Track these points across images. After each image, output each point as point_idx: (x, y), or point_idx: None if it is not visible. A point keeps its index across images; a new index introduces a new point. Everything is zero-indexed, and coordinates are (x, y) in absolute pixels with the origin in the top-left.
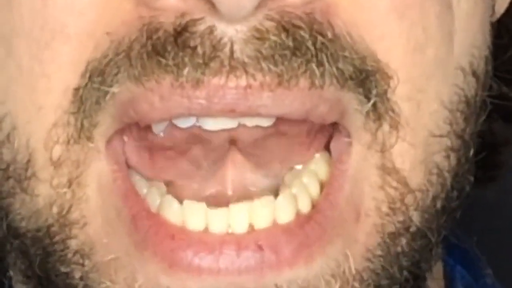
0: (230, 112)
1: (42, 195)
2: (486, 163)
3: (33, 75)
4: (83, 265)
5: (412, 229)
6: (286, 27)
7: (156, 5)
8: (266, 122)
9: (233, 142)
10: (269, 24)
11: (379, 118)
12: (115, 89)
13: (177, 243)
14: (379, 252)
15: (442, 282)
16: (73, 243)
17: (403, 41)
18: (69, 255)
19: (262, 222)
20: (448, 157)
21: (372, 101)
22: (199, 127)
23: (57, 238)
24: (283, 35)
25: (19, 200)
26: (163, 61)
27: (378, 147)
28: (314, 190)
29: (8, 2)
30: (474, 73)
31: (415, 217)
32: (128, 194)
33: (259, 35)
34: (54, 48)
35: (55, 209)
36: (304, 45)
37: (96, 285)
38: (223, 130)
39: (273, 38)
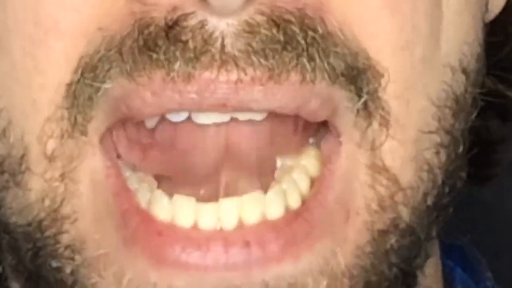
0: (222, 107)
1: (35, 189)
2: (483, 161)
3: (26, 71)
4: (73, 259)
5: (402, 226)
6: (277, 22)
7: (148, 0)
8: (258, 116)
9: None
10: (260, 18)
11: (369, 116)
12: (107, 85)
13: (165, 239)
14: (368, 249)
15: (441, 283)
16: (64, 238)
17: (394, 38)
18: (60, 250)
19: (251, 217)
20: (438, 153)
21: (363, 99)
22: (192, 121)
23: (48, 232)
24: (274, 30)
25: (12, 194)
26: (154, 55)
27: (367, 146)
28: (304, 186)
29: (1, 1)
30: (464, 70)
31: (405, 214)
32: (119, 191)
33: (250, 29)
34: (48, 44)
35: (47, 203)
36: (295, 40)
37: (85, 280)
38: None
39: (264, 32)
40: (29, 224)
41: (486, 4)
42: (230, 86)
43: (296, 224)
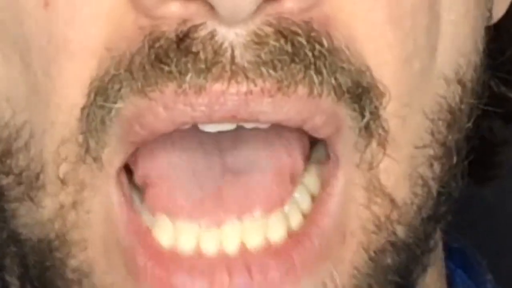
0: (231, 118)
1: (48, 208)
2: (486, 163)
3: (46, 90)
4: (80, 283)
5: (397, 244)
6: (284, 33)
7: (157, 14)
8: (264, 125)
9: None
10: (268, 29)
11: (370, 135)
12: (119, 105)
13: (172, 272)
14: (365, 269)
15: (445, 286)
16: (72, 262)
17: (396, 53)
18: (68, 273)
19: (253, 241)
20: (431, 165)
21: (366, 119)
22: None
23: (57, 254)
24: (282, 41)
25: (26, 207)
26: (166, 68)
27: (366, 166)
28: (306, 205)
29: (17, 16)
30: (459, 81)
31: (400, 231)
32: (131, 227)
33: (258, 40)
34: (60, 64)
35: (57, 226)
36: (303, 52)
37: None
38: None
39: (272, 43)
40: (40, 241)
41: (490, 10)
42: (240, 98)
43: (297, 251)
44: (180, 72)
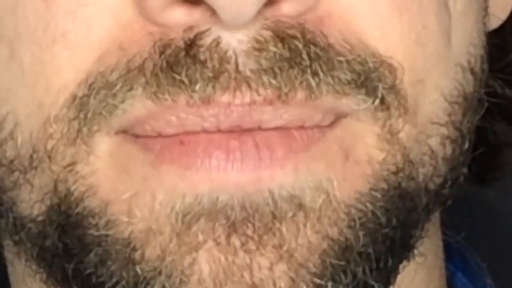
0: (236, 128)
1: (47, 182)
2: (489, 164)
3: (33, 74)
4: (99, 222)
5: (403, 193)
6: (281, 37)
7: (162, 21)
8: None
9: None
10: (266, 34)
11: (387, 108)
12: (127, 105)
13: (187, 145)
14: (368, 198)
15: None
16: (86, 210)
17: (404, 35)
18: (84, 222)
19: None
20: (443, 144)
21: (379, 98)
22: None
23: (69, 211)
24: (280, 45)
25: (26, 190)
26: (177, 77)
27: (386, 130)
28: None
29: (13, 6)
30: (472, 70)
31: (405, 183)
32: (137, 139)
33: (259, 46)
34: (55, 51)
35: (62, 189)
36: (299, 55)
37: (114, 233)
38: None
39: (271, 48)
40: (51, 208)
41: (486, 9)
42: (244, 109)
43: (297, 134)
44: (190, 81)
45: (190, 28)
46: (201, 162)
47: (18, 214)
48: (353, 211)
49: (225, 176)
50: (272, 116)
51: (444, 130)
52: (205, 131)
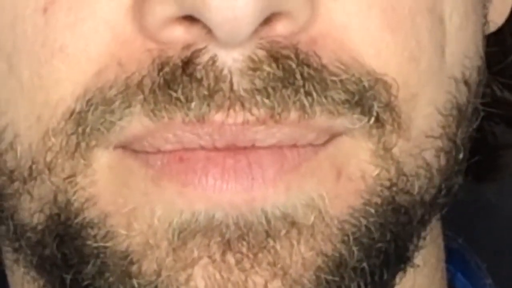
0: (232, 145)
1: (47, 193)
2: (488, 165)
3: (32, 88)
4: (97, 233)
5: (397, 207)
6: (275, 57)
7: (162, 39)
8: None
9: None
10: (261, 53)
11: (382, 126)
12: (124, 123)
13: (186, 163)
14: (362, 213)
15: None
16: (85, 221)
17: (398, 52)
18: (83, 232)
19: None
20: (438, 156)
21: (374, 116)
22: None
23: (68, 222)
24: (274, 65)
25: (26, 199)
26: (174, 94)
27: (381, 146)
28: None
29: (11, 20)
30: (465, 82)
31: (399, 197)
32: (138, 155)
33: (253, 66)
34: (53, 65)
35: (61, 199)
36: (292, 75)
37: (112, 246)
38: None
39: (266, 68)
40: (50, 218)
41: (485, 16)
42: (237, 128)
43: (288, 153)
44: (186, 99)
45: (188, 46)
46: (198, 180)
47: (18, 222)
48: (346, 226)
49: (221, 195)
50: (264, 135)
51: (438, 143)
52: (203, 148)
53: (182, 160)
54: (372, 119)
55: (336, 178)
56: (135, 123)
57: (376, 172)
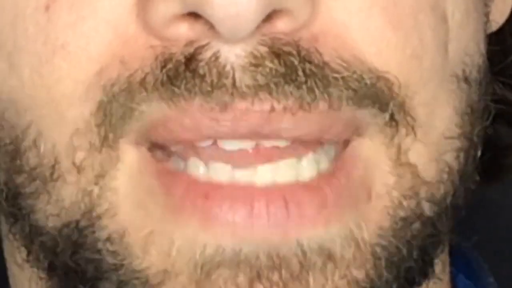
0: (241, 137)
1: (69, 195)
2: (491, 167)
3: (32, 87)
4: (114, 250)
5: (423, 218)
6: (277, 53)
7: (166, 36)
8: (283, 143)
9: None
10: (263, 50)
11: (396, 125)
12: (143, 107)
13: (211, 200)
14: (390, 233)
15: None
16: (103, 234)
17: (399, 50)
18: (100, 245)
19: (285, 177)
20: (458, 157)
21: (388, 112)
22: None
23: (86, 231)
24: (276, 62)
25: (44, 200)
26: (177, 90)
27: (394, 150)
28: (332, 156)
29: (12, 18)
30: (466, 80)
31: (426, 208)
32: (159, 171)
33: (255, 62)
34: (54, 63)
35: (82, 206)
36: (295, 72)
37: (129, 264)
38: None
39: (268, 64)
40: (67, 225)
41: (487, 15)
42: (263, 115)
43: (328, 189)
44: (189, 95)
45: (191, 42)
46: (224, 216)
47: (34, 223)
48: (378, 250)
49: (250, 231)
50: (292, 124)
51: (457, 143)
52: (232, 185)
53: (208, 197)
54: (387, 116)
55: (367, 199)
56: (154, 108)
57: (398, 182)
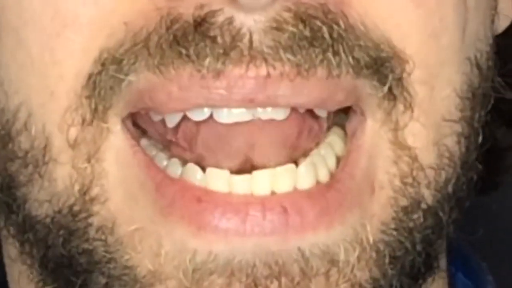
0: (249, 102)
1: (61, 177)
2: (489, 168)
3: (44, 63)
4: (106, 240)
5: (424, 206)
6: (303, 18)
7: None
8: (280, 116)
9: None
10: (286, 15)
11: (394, 99)
12: (131, 77)
13: (204, 206)
14: (393, 226)
15: None
16: (95, 220)
17: (420, 28)
18: (92, 233)
19: (284, 187)
20: (459, 142)
21: (387, 85)
22: (213, 121)
23: (79, 216)
24: (301, 26)
25: (37, 186)
26: (184, 51)
27: (391, 125)
28: (331, 162)
29: None
30: (477, 65)
31: (427, 195)
32: (149, 165)
33: (278, 26)
34: (65, 37)
35: (76, 187)
36: (321, 35)
37: (119, 258)
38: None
39: (291, 29)
40: (59, 211)
41: (495, 8)
42: (258, 82)
43: (329, 194)
44: (198, 56)
45: (201, 6)
46: (217, 223)
47: (27, 212)
48: (381, 246)
49: (245, 238)
50: (290, 91)
51: (458, 127)
52: (225, 196)
53: (200, 201)
54: (386, 86)
55: (371, 192)
56: (141, 78)
57: (398, 168)
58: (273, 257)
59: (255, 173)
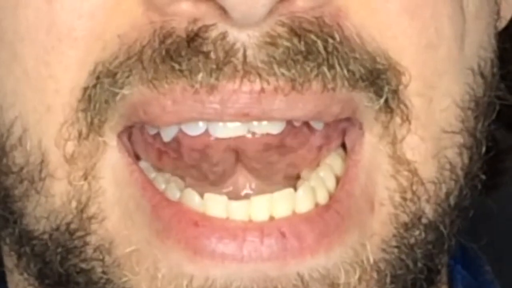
0: (244, 116)
1: (59, 194)
2: (489, 170)
3: (39, 77)
4: (103, 260)
5: (424, 221)
6: (297, 32)
7: (168, 11)
8: (276, 129)
9: (238, 158)
10: (280, 30)
11: (391, 111)
12: (125, 91)
13: (201, 230)
14: (394, 243)
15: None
16: (92, 239)
17: (415, 40)
18: (89, 252)
19: (282, 212)
20: (461, 154)
21: (383, 98)
22: (208, 136)
23: (76, 234)
24: (295, 40)
25: (34, 202)
26: (177, 66)
27: (389, 139)
28: (331, 183)
29: (13, 7)
30: (481, 74)
31: (428, 209)
32: (146, 186)
33: (272, 41)
34: (61, 51)
35: (73, 204)
36: (316, 49)
37: (117, 280)
38: (228, 142)
39: (285, 43)
40: (56, 229)
41: (498, 12)
42: (252, 96)
43: (328, 216)
44: (190, 71)
45: (194, 20)
46: (214, 249)
47: (24, 227)
48: (382, 265)
49: (242, 264)
50: (285, 105)
51: (459, 138)
52: (223, 221)
53: (197, 225)
54: (383, 99)
55: (370, 210)
56: (135, 92)
57: (397, 183)
58: (272, 282)
59: (253, 198)
